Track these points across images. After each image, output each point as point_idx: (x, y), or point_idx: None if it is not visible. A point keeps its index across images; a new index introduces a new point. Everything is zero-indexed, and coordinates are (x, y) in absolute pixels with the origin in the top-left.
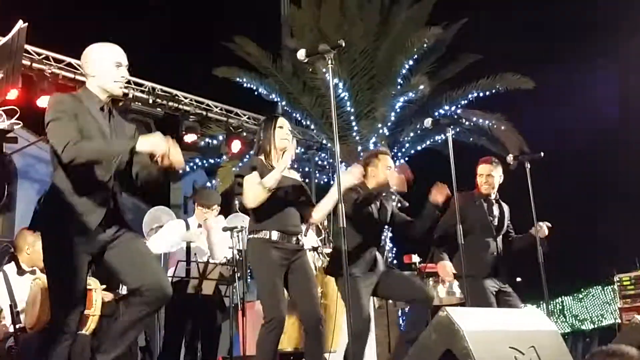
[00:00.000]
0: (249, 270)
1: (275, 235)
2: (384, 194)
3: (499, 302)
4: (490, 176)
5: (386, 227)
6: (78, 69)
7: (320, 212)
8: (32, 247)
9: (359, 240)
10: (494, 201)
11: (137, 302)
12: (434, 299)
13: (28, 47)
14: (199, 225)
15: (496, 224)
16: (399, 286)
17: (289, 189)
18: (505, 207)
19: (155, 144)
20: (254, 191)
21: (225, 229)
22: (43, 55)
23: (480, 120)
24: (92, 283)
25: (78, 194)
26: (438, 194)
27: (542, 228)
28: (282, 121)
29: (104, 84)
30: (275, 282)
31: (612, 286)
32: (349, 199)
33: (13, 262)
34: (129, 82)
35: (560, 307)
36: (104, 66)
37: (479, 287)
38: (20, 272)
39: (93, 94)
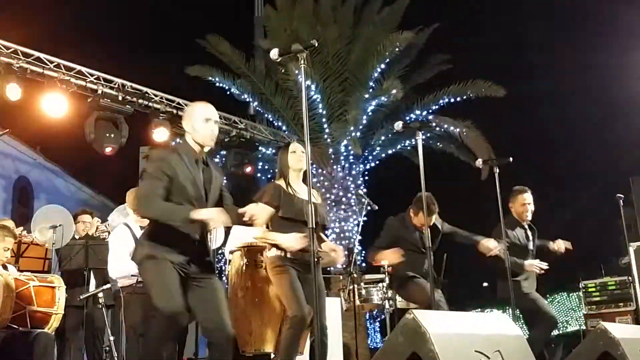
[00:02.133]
0: (217, 272)
1: (289, 253)
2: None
3: None
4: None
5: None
6: (47, 64)
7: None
8: None
9: None
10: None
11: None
12: None
13: None
14: (142, 228)
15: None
16: None
17: (303, 210)
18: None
19: (208, 217)
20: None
21: None
22: (11, 49)
23: (452, 128)
24: (56, 281)
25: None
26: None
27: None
28: (294, 146)
29: (197, 138)
30: (295, 285)
31: (577, 293)
32: None
33: None
34: (98, 78)
35: None
36: (197, 123)
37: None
38: None
39: (190, 148)
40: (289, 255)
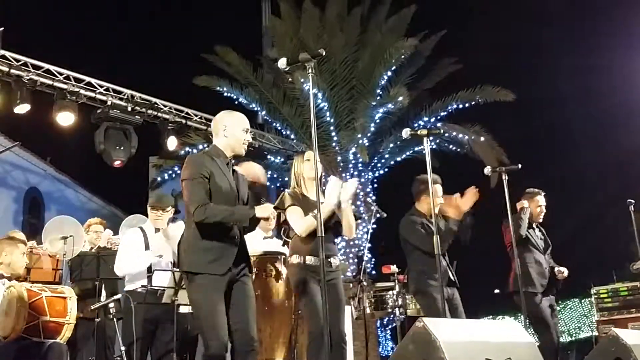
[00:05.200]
0: None
1: (309, 259)
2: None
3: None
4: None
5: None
6: (56, 76)
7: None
8: (10, 254)
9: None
10: None
11: None
12: None
13: (6, 53)
14: (156, 230)
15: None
16: None
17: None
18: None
19: (270, 212)
20: (307, 223)
21: None
22: (21, 62)
23: (460, 135)
24: (67, 292)
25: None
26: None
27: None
28: (308, 154)
29: (234, 146)
30: (314, 299)
31: (589, 299)
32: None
33: None
34: (107, 89)
35: None
36: (237, 131)
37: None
38: None
39: (222, 152)
40: (307, 262)
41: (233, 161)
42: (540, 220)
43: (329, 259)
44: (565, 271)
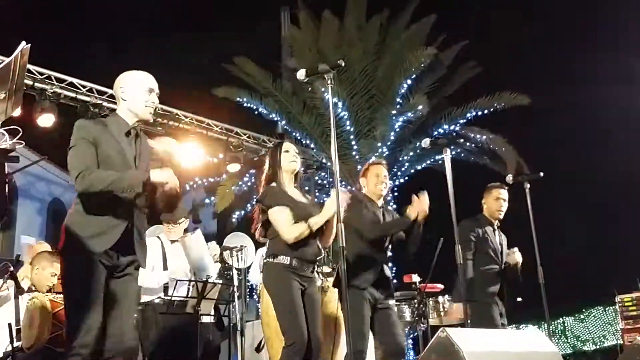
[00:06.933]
0: (247, 290)
1: (293, 262)
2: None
3: None
4: (506, 201)
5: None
6: (80, 89)
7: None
8: (41, 270)
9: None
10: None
11: None
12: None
13: (30, 66)
14: (172, 241)
15: (500, 250)
16: (383, 329)
17: (307, 211)
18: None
19: (168, 177)
20: (300, 230)
21: (224, 249)
22: (45, 75)
23: (478, 137)
24: None
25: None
26: (413, 209)
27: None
28: (287, 145)
29: (135, 108)
30: (295, 305)
31: (613, 307)
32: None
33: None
34: None
35: (562, 328)
36: (137, 91)
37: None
38: (20, 291)
39: (121, 119)
40: (294, 264)
41: (137, 129)
42: (501, 217)
43: (313, 264)
44: (516, 252)
